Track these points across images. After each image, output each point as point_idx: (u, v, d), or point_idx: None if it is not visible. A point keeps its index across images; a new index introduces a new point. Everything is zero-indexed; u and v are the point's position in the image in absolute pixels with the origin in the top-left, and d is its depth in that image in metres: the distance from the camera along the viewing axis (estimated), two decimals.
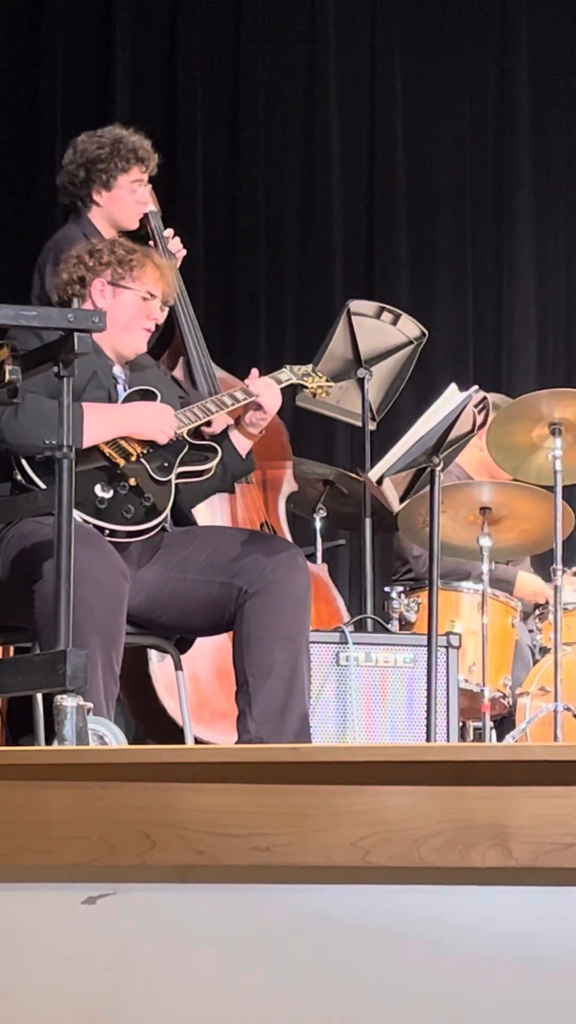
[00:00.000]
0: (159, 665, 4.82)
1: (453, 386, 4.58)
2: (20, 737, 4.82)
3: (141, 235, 4.98)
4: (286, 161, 7.41)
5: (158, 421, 4.07)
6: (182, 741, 4.37)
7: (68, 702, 3.23)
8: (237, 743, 4.01)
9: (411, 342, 5.56)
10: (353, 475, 5.67)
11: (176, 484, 4.11)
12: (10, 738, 4.89)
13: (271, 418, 4.32)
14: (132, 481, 4.02)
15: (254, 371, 4.35)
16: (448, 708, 4.84)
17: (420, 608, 5.27)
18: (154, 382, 4.24)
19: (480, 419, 4.67)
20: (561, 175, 7.66)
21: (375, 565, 5.45)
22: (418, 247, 7.50)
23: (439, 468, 4.54)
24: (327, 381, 4.60)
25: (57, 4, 7.17)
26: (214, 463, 4.20)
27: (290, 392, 4.61)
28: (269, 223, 7.37)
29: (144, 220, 5.02)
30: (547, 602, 5.60)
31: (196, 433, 4.24)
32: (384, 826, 2.42)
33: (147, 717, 4.91)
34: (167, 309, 4.53)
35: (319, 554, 5.72)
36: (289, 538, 5.09)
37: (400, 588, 5.42)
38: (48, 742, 3.97)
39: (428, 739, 4.53)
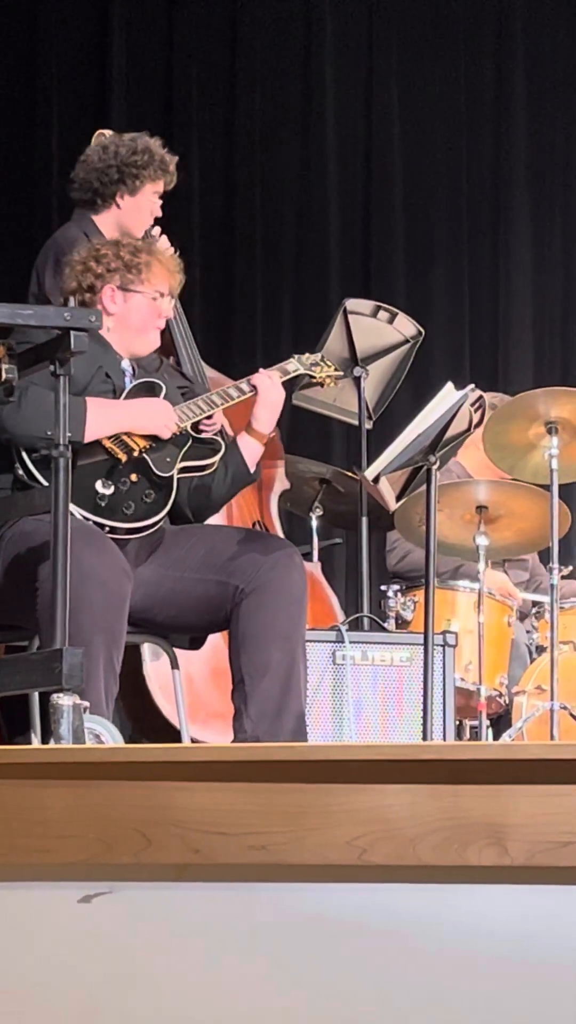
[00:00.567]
0: (153, 665, 4.82)
1: (449, 385, 4.58)
2: (17, 736, 4.82)
3: None
4: (282, 159, 7.41)
5: (160, 416, 4.07)
6: (176, 741, 4.36)
7: (64, 701, 3.23)
8: (233, 742, 4.01)
9: (407, 341, 5.56)
10: (349, 474, 5.67)
11: (178, 480, 4.10)
12: (7, 737, 4.89)
13: (277, 413, 4.29)
14: (134, 477, 4.01)
15: (261, 371, 4.33)
16: (444, 707, 4.84)
17: (416, 607, 5.27)
18: (157, 374, 4.24)
19: (476, 418, 4.67)
20: (557, 174, 7.66)
21: (371, 564, 5.45)
22: (414, 246, 7.50)
23: (435, 467, 4.54)
24: (336, 370, 4.58)
25: (53, 3, 7.16)
26: (217, 458, 4.18)
27: (287, 388, 4.59)
28: (265, 221, 7.36)
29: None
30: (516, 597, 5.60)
31: (198, 428, 4.23)
32: (381, 825, 2.42)
33: (142, 717, 4.91)
34: (175, 302, 4.53)
35: (315, 553, 5.72)
36: (282, 536, 5.09)
37: (396, 587, 5.42)
38: (44, 741, 3.96)
39: (424, 738, 4.54)
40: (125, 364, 4.18)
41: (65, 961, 2.49)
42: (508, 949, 2.38)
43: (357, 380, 5.48)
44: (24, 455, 3.89)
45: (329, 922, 2.44)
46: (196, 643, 4.31)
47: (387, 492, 4.61)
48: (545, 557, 5.02)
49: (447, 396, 4.53)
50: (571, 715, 4.91)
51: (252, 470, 4.24)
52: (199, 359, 5.17)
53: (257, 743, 3.85)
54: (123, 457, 4.00)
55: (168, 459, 4.08)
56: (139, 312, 4.18)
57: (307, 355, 4.51)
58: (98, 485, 3.96)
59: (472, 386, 4.61)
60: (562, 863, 2.37)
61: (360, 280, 7.36)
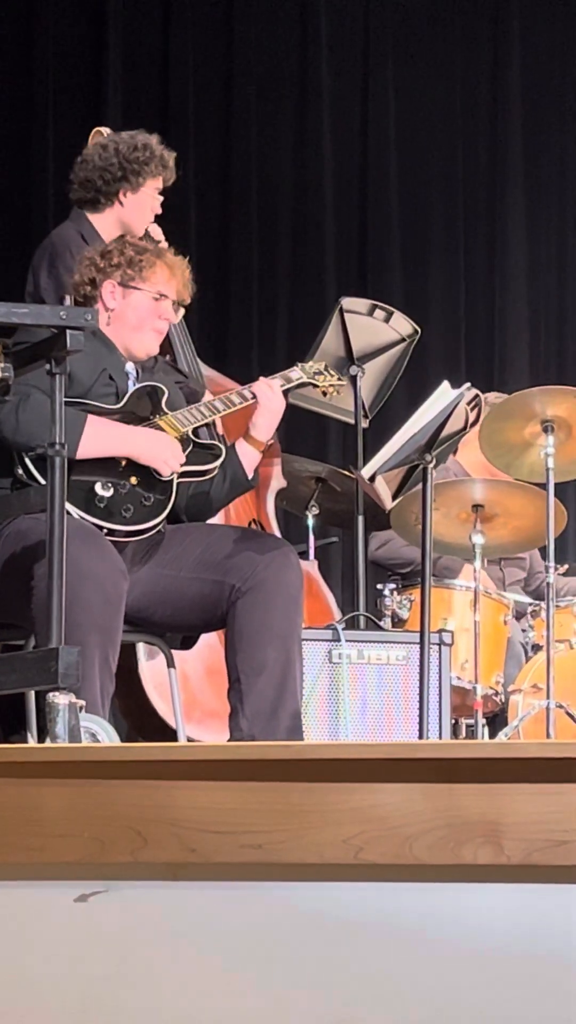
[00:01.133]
0: (148, 664, 4.82)
1: (445, 383, 4.58)
2: (12, 735, 4.82)
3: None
4: (278, 158, 7.41)
5: (163, 452, 4.03)
6: (172, 740, 4.36)
7: (60, 700, 3.23)
8: (229, 740, 4.01)
9: (404, 339, 5.56)
10: (345, 472, 5.67)
11: (177, 484, 4.10)
12: (2, 736, 4.89)
13: (277, 422, 4.29)
14: (133, 480, 4.01)
15: (261, 379, 4.33)
16: (440, 705, 4.84)
17: (412, 605, 5.28)
18: (160, 378, 4.24)
19: (472, 417, 4.67)
20: (553, 173, 7.67)
21: (367, 562, 5.45)
22: (411, 245, 7.50)
23: (431, 465, 4.55)
24: (339, 379, 4.57)
25: (50, 3, 7.16)
26: (218, 463, 4.18)
27: (288, 391, 4.58)
28: (261, 220, 7.36)
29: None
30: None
31: (199, 433, 4.23)
32: (377, 823, 2.42)
33: (137, 716, 4.91)
34: (182, 309, 4.53)
35: (311, 551, 5.72)
36: (278, 535, 5.09)
37: (392, 585, 5.42)
38: (41, 740, 3.96)
39: (420, 736, 4.54)
40: (129, 367, 4.18)
41: (61, 960, 2.49)
42: (504, 948, 2.38)
43: (353, 379, 5.48)
44: (24, 456, 3.89)
45: (325, 921, 2.44)
46: (188, 642, 4.31)
47: (383, 491, 4.61)
48: (542, 555, 5.02)
49: (443, 395, 4.53)
50: (567, 714, 4.91)
51: (250, 476, 4.24)
52: (196, 358, 5.17)
53: (253, 742, 3.85)
54: (123, 460, 4.00)
55: None
56: (137, 310, 4.18)
57: (310, 363, 4.50)
58: (97, 487, 3.95)
59: (468, 385, 4.61)
60: (558, 862, 2.37)
61: (356, 279, 7.36)
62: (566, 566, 5.59)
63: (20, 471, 3.89)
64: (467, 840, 2.39)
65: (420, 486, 4.58)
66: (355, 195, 7.49)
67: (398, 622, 5.32)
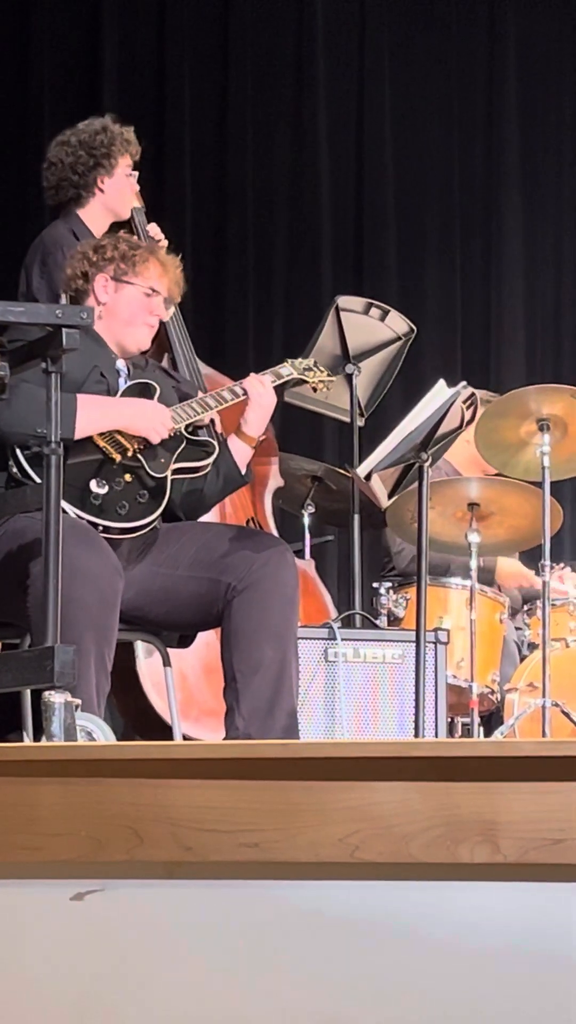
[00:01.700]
0: (146, 662, 4.82)
1: (441, 382, 4.59)
2: (8, 733, 4.82)
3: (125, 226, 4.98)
4: (275, 157, 7.41)
5: (153, 419, 4.05)
6: (169, 738, 4.36)
7: (56, 698, 3.23)
8: (225, 739, 4.01)
9: (399, 338, 5.56)
10: (341, 471, 5.67)
11: (171, 481, 4.10)
12: None
13: (268, 417, 4.30)
14: (128, 477, 4.01)
15: (252, 375, 4.33)
16: (436, 704, 4.84)
17: (408, 604, 5.28)
18: (152, 377, 4.24)
19: (468, 415, 4.67)
20: (549, 172, 7.67)
21: (363, 561, 5.45)
22: (407, 243, 7.50)
23: (427, 464, 4.55)
24: (328, 375, 4.57)
25: None
26: (211, 460, 4.18)
27: (279, 390, 4.59)
28: (257, 218, 7.36)
29: (129, 216, 5.02)
30: (529, 586, 5.61)
31: (193, 429, 4.23)
32: (373, 822, 2.42)
33: (134, 714, 4.91)
34: (172, 306, 4.53)
35: (307, 550, 5.72)
36: (276, 534, 5.09)
37: (388, 584, 5.42)
38: (36, 738, 3.96)
39: (416, 735, 4.54)
40: (120, 364, 4.18)
41: (57, 959, 2.49)
42: (501, 946, 2.38)
43: (349, 377, 5.48)
44: (18, 453, 3.88)
45: (321, 919, 2.44)
46: (185, 641, 4.31)
47: (379, 489, 4.61)
48: (537, 555, 5.02)
49: (439, 393, 4.53)
50: (563, 712, 4.91)
51: (243, 471, 4.24)
52: (195, 357, 5.17)
53: (249, 740, 3.85)
54: (117, 457, 4.00)
55: (162, 460, 4.08)
56: (129, 304, 4.19)
57: (300, 360, 4.51)
58: (92, 484, 3.96)
59: (464, 383, 4.61)
60: (554, 860, 2.37)
61: (352, 277, 7.36)
62: (563, 564, 5.59)
63: (15, 469, 3.89)
64: (463, 839, 2.39)
65: (416, 485, 4.58)
66: (351, 194, 7.48)
67: (394, 620, 5.32)
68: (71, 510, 3.87)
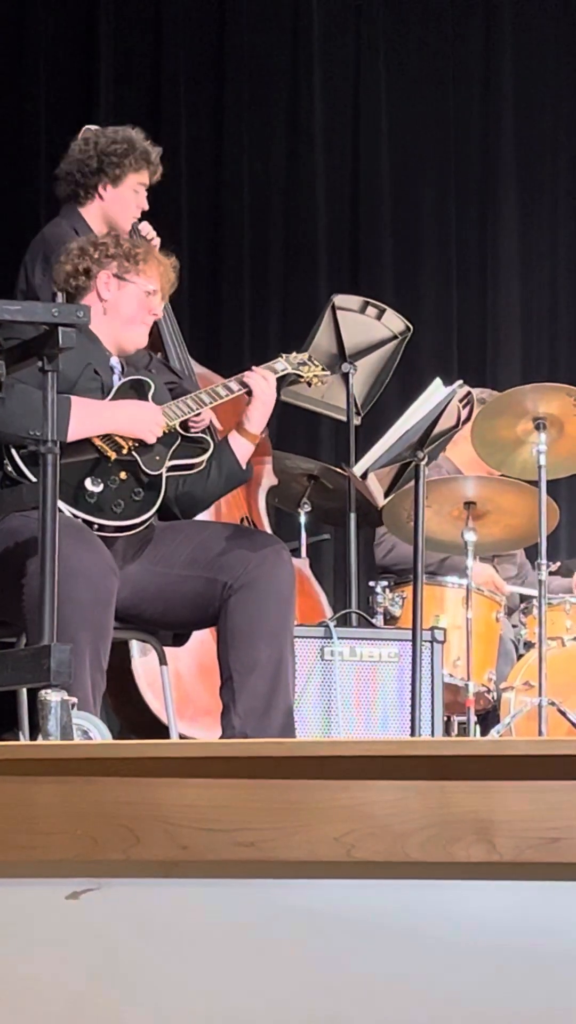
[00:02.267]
0: (141, 661, 4.82)
1: (438, 381, 4.59)
2: (4, 732, 4.82)
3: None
4: (270, 155, 7.41)
5: (146, 420, 4.05)
6: (164, 737, 4.36)
7: (52, 697, 3.23)
8: (221, 738, 4.01)
9: (396, 337, 5.56)
10: (338, 470, 5.67)
11: (167, 478, 4.10)
12: None
13: (269, 412, 4.29)
14: (122, 475, 4.01)
15: (254, 369, 4.32)
16: (432, 703, 4.84)
17: (405, 603, 5.28)
18: (144, 371, 4.24)
19: (465, 414, 4.67)
20: (545, 170, 7.66)
21: (359, 560, 5.46)
22: (403, 242, 7.50)
23: (423, 463, 4.55)
24: (323, 370, 4.57)
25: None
26: (206, 456, 4.18)
27: (277, 384, 4.58)
28: (253, 216, 7.36)
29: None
30: (497, 591, 5.61)
31: (187, 426, 4.22)
32: (368, 821, 2.42)
33: (129, 713, 4.91)
34: (162, 304, 4.52)
35: (303, 549, 5.72)
36: (270, 532, 5.09)
37: (384, 583, 5.42)
38: (32, 737, 3.96)
39: (413, 734, 4.54)
40: (114, 361, 4.18)
41: (52, 958, 2.49)
42: (497, 945, 2.39)
43: (345, 376, 5.48)
44: (13, 451, 3.88)
45: (318, 919, 2.44)
46: (180, 639, 4.31)
47: (375, 488, 4.61)
48: (533, 553, 5.02)
49: (435, 392, 4.53)
50: (559, 711, 4.91)
51: (244, 468, 4.25)
52: (187, 355, 5.17)
53: (245, 739, 3.85)
54: (112, 455, 4.00)
55: (157, 457, 4.08)
56: (131, 302, 4.18)
57: (294, 354, 4.50)
58: (87, 483, 3.95)
59: (460, 382, 4.62)
60: (550, 859, 2.37)
61: (348, 276, 7.36)
62: (558, 563, 5.59)
63: (9, 467, 3.89)
64: (459, 837, 2.39)
65: (412, 483, 4.58)
66: (347, 192, 7.48)
67: (390, 619, 5.32)
68: (66, 508, 3.87)
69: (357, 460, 4.76)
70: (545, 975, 2.37)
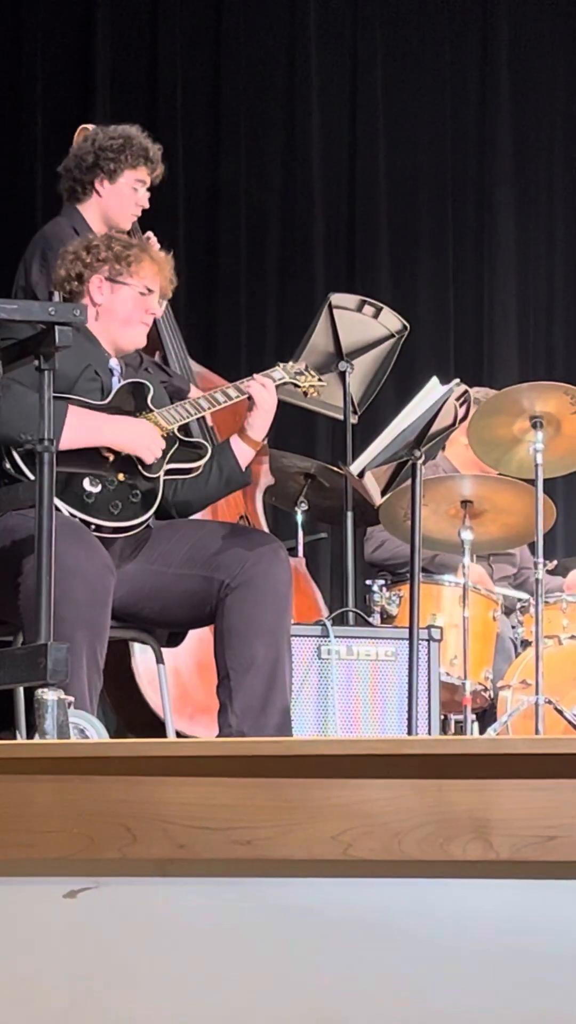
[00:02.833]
0: (142, 659, 4.82)
1: (435, 379, 4.58)
2: (1, 731, 4.82)
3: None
4: (267, 155, 7.41)
5: (144, 439, 4.03)
6: (163, 734, 4.36)
7: (49, 696, 3.23)
8: (218, 736, 4.01)
9: (393, 335, 5.56)
10: (334, 468, 5.67)
11: (164, 481, 4.10)
12: None
13: (270, 419, 4.29)
14: (121, 476, 4.01)
15: (256, 376, 4.32)
16: (429, 701, 4.84)
17: (402, 601, 5.28)
18: (145, 376, 4.24)
19: (462, 413, 4.67)
20: (542, 169, 7.67)
21: (356, 558, 5.46)
22: (399, 240, 7.50)
23: (420, 461, 4.55)
24: (319, 380, 4.58)
25: None
26: (203, 461, 4.18)
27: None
28: (250, 216, 7.36)
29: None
30: (487, 591, 5.61)
31: (186, 430, 4.23)
32: (365, 819, 2.42)
33: (128, 710, 4.91)
34: (165, 302, 4.51)
35: (300, 548, 5.72)
36: (267, 531, 5.09)
37: (381, 581, 5.42)
38: (29, 736, 3.96)
39: (409, 732, 4.54)
40: (113, 363, 4.18)
41: (49, 957, 2.49)
42: (493, 943, 2.39)
43: (342, 375, 5.48)
44: (13, 451, 3.88)
45: (314, 917, 2.44)
46: (175, 639, 4.31)
47: (372, 487, 4.61)
48: (531, 551, 5.02)
49: (432, 391, 4.53)
50: (556, 709, 4.91)
51: (244, 471, 4.26)
52: (187, 356, 5.17)
53: (242, 738, 3.85)
54: (110, 456, 4.00)
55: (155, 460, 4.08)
56: (125, 304, 4.18)
57: (291, 363, 4.51)
58: (85, 483, 3.95)
59: (457, 380, 4.61)
60: (547, 857, 2.37)
61: (345, 274, 7.36)
62: (555, 562, 5.59)
63: (8, 466, 3.89)
64: (456, 836, 2.39)
65: (409, 482, 4.58)
66: (344, 191, 7.48)
67: (387, 618, 5.32)
68: (64, 508, 3.87)
69: (354, 459, 4.75)
70: (542, 973, 2.37)
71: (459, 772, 2.42)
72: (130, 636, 4.32)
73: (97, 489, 3.96)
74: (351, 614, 5.13)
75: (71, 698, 3.29)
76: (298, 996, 2.43)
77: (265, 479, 5.49)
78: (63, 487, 3.85)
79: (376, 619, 5.27)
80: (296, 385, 4.49)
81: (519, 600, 5.67)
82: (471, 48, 7.64)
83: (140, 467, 4.03)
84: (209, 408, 4.24)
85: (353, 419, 5.55)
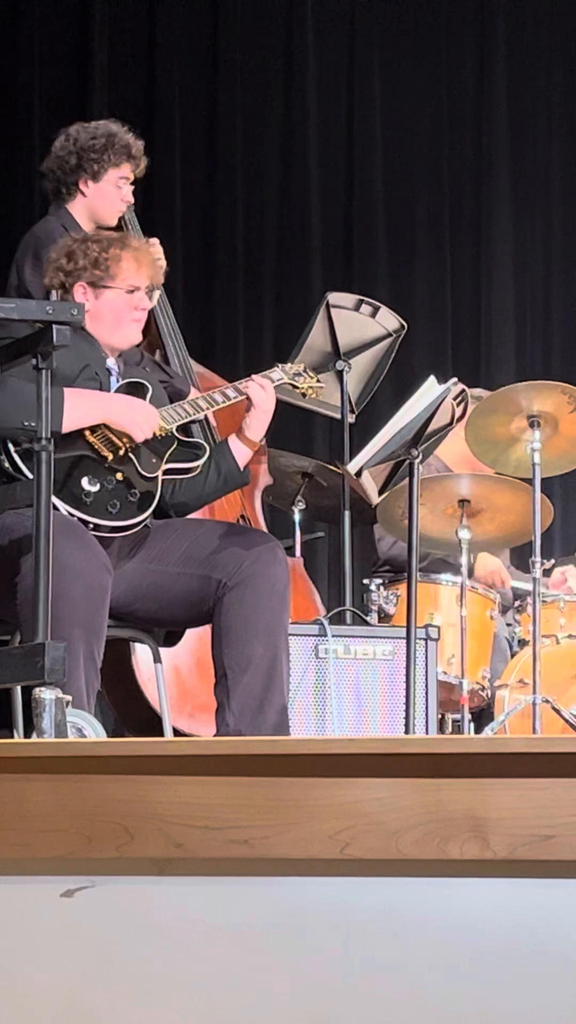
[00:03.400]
0: (141, 656, 4.82)
1: (432, 378, 4.58)
2: None
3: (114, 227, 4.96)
4: (265, 155, 7.41)
5: (138, 416, 4.04)
6: (161, 731, 4.37)
7: (47, 695, 3.23)
8: (216, 736, 4.01)
9: (390, 334, 5.56)
10: (332, 468, 5.67)
11: (162, 480, 4.10)
12: None
13: (268, 420, 4.30)
14: (119, 476, 4.01)
15: (254, 377, 4.33)
16: (427, 700, 4.84)
17: (399, 600, 5.28)
18: (144, 375, 4.24)
19: (459, 412, 4.67)
20: (539, 168, 7.67)
21: (354, 557, 5.46)
22: (396, 239, 7.50)
23: (418, 461, 4.55)
24: (318, 381, 4.58)
25: None
26: (201, 461, 4.18)
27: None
28: (247, 215, 7.36)
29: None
30: (502, 585, 5.61)
31: (185, 430, 4.23)
32: (362, 819, 2.42)
33: (126, 708, 4.90)
34: (159, 292, 4.50)
35: (298, 547, 5.72)
36: (266, 530, 5.09)
37: (379, 580, 5.42)
38: (27, 735, 3.96)
39: (407, 731, 4.54)
40: (111, 364, 4.18)
41: (46, 956, 2.49)
42: (491, 943, 2.39)
43: (339, 374, 5.48)
44: (10, 448, 3.88)
45: (311, 916, 2.44)
46: (172, 639, 4.31)
47: (369, 486, 4.61)
48: (528, 552, 5.02)
49: (429, 390, 4.53)
50: (553, 709, 4.91)
51: (242, 471, 4.26)
52: (186, 354, 5.17)
53: (239, 737, 3.85)
54: (109, 456, 4.00)
55: (154, 460, 4.08)
56: (111, 308, 4.17)
57: (290, 365, 4.52)
58: (83, 482, 3.95)
59: (455, 380, 4.61)
60: (544, 857, 2.37)
61: (342, 274, 7.36)
62: (551, 562, 5.59)
63: (7, 463, 3.89)
64: (453, 835, 2.39)
65: (406, 481, 4.58)
66: (341, 190, 7.48)
67: (384, 617, 5.32)
68: (62, 507, 3.87)
69: (351, 458, 4.75)
70: (539, 972, 2.38)
71: (456, 771, 2.42)
72: (128, 635, 4.32)
73: (95, 488, 3.96)
74: (349, 613, 5.13)
75: (69, 697, 3.29)
76: (295, 994, 2.43)
77: (263, 479, 5.49)
78: (61, 486, 3.86)
79: (374, 618, 5.27)
80: (294, 386, 4.49)
81: (516, 598, 5.67)
82: (468, 47, 7.64)
83: (138, 467, 4.03)
84: (208, 408, 4.24)
85: (350, 418, 5.55)
